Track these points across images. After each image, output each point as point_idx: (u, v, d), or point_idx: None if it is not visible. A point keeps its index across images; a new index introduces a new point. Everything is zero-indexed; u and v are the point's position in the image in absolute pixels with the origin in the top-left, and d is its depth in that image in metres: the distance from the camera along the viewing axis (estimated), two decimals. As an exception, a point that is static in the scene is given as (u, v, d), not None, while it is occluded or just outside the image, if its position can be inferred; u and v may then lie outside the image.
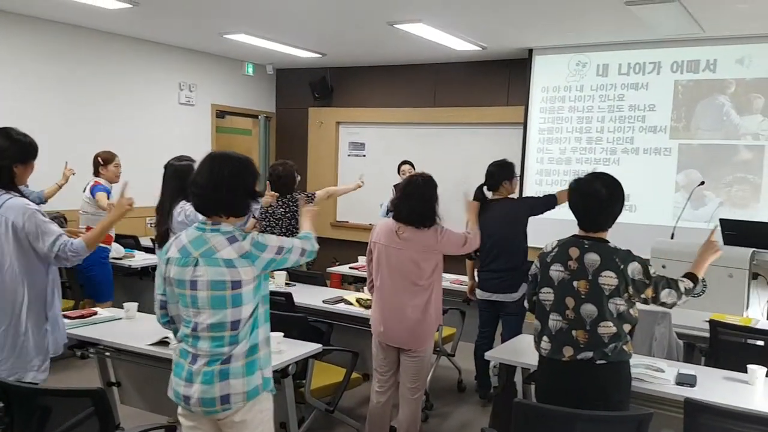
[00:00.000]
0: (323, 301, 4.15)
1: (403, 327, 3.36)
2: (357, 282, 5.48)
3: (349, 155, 8.27)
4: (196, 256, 2.19)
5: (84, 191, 5.12)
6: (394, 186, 6.91)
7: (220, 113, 8.06)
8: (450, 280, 4.98)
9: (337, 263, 6.14)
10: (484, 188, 4.40)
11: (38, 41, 5.96)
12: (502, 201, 4.35)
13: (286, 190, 4.92)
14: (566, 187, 2.72)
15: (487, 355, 3.30)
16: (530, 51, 6.54)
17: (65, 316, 3.35)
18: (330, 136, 8.30)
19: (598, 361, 2.50)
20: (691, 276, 2.64)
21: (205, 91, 7.69)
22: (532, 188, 6.62)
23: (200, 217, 3.58)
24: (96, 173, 5.13)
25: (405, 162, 6.52)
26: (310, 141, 8.41)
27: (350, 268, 5.57)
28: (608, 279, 2.48)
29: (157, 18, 5.85)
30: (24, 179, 2.86)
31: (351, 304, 4.12)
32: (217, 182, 2.20)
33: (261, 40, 6.52)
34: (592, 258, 2.52)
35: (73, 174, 5.40)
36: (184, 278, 2.20)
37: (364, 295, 4.22)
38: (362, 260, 5.59)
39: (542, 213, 4.36)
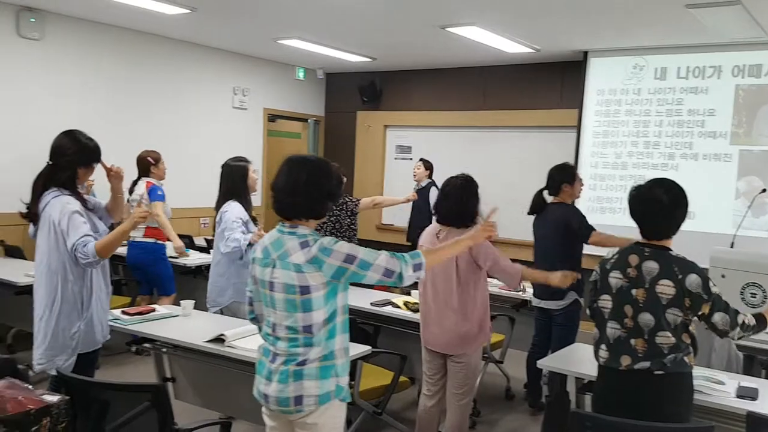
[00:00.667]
0: (371, 304, 4.15)
1: (444, 332, 3.34)
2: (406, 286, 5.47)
3: (395, 158, 8.29)
4: (274, 258, 2.23)
5: (132, 192, 5.18)
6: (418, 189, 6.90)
7: (272, 117, 8.19)
8: (498, 285, 4.91)
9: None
10: (544, 192, 4.33)
11: (98, 45, 6.18)
12: (557, 205, 4.27)
13: None
14: (626, 194, 2.66)
15: (540, 363, 3.24)
16: (585, 53, 6.43)
17: (124, 313, 3.47)
18: (377, 140, 8.33)
19: (656, 372, 2.43)
20: (758, 316, 2.52)
21: (257, 96, 7.83)
22: (586, 193, 6.46)
23: (230, 220, 3.59)
24: (146, 173, 5.22)
25: (419, 159, 6.65)
26: (358, 144, 8.47)
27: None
28: (665, 288, 2.41)
29: (214, 23, 5.98)
30: (84, 180, 2.98)
31: (398, 307, 4.11)
32: (295, 186, 2.22)
33: (313, 45, 6.60)
34: (651, 266, 2.45)
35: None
36: (264, 278, 2.25)
37: (412, 298, 4.21)
38: None
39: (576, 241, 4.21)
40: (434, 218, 3.48)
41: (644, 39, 5.83)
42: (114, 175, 3.11)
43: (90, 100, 6.12)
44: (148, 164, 5.22)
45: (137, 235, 5.08)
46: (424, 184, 6.69)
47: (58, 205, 2.79)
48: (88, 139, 2.91)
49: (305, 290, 2.18)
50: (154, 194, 5.10)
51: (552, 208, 4.27)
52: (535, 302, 4.33)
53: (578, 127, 6.53)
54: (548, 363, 3.21)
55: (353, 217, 5.01)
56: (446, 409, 3.48)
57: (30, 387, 1.88)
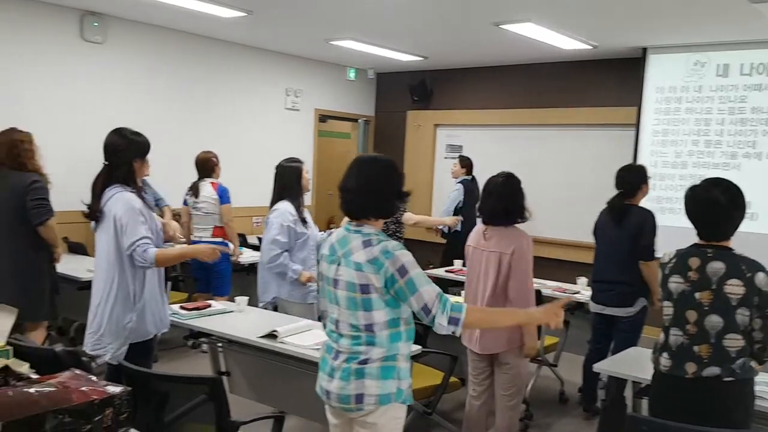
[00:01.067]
0: (421, 303, 4.13)
1: (485, 333, 3.29)
2: (453, 286, 5.43)
3: (446, 157, 8.24)
4: (339, 255, 2.25)
5: (197, 193, 5.25)
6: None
7: (322, 117, 8.27)
8: (552, 287, 4.84)
9: (432, 266, 6.13)
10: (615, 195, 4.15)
11: (157, 48, 6.36)
12: (637, 208, 4.08)
13: None
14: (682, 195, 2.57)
15: (597, 366, 3.16)
16: (644, 50, 6.24)
17: (182, 308, 3.55)
18: (427, 139, 8.30)
19: (726, 379, 2.34)
20: None
21: (309, 97, 7.92)
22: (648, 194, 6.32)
23: (275, 222, 3.62)
24: (210, 174, 5.31)
25: (458, 156, 6.70)
26: (408, 144, 8.46)
27: (446, 271, 5.53)
28: (735, 288, 2.32)
29: (269, 26, 6.08)
30: (142, 174, 3.05)
31: (450, 306, 4.08)
32: (366, 186, 2.24)
33: (365, 45, 6.63)
34: (716, 266, 2.36)
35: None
36: (329, 275, 2.28)
37: (461, 298, 4.17)
38: (458, 264, 5.56)
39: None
40: (479, 219, 3.43)
41: (705, 35, 5.63)
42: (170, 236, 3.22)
43: (148, 102, 6.31)
44: (213, 165, 5.31)
45: (205, 235, 5.20)
46: (458, 180, 6.63)
47: (122, 201, 2.89)
48: (135, 133, 3.00)
49: (365, 289, 2.18)
50: (226, 197, 5.20)
51: (632, 212, 4.04)
52: (597, 308, 4.16)
53: (637, 126, 6.36)
54: (606, 367, 3.14)
55: (399, 225, 4.98)
56: (495, 411, 3.44)
57: (93, 378, 1.94)
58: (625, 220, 4.02)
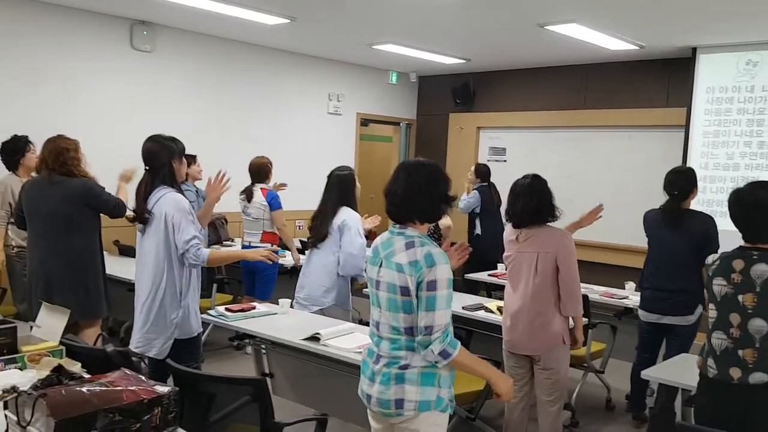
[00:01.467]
0: (463, 308, 4.11)
1: (525, 333, 3.28)
2: (495, 290, 5.38)
3: (488, 160, 8.16)
4: (382, 256, 2.28)
5: (250, 198, 5.31)
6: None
7: (364, 121, 8.30)
8: (599, 292, 4.74)
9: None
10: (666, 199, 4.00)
11: (203, 55, 6.50)
12: (694, 212, 3.98)
13: None
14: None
15: (645, 373, 3.09)
16: (694, 49, 6.08)
17: (227, 310, 3.61)
18: (470, 141, 8.25)
19: None
20: None
21: (351, 101, 7.97)
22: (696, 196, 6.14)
23: (354, 224, 3.65)
24: (263, 179, 5.36)
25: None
26: (450, 146, 8.42)
27: (489, 275, 5.48)
28: None
29: (311, 32, 6.14)
30: (181, 174, 3.19)
31: (491, 311, 4.04)
32: (414, 191, 2.25)
33: (408, 48, 6.64)
34: (761, 269, 2.33)
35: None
36: (372, 277, 2.31)
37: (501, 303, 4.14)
38: (501, 267, 5.50)
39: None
40: (508, 224, 3.41)
41: (757, 33, 5.45)
42: (214, 188, 3.33)
43: (195, 108, 6.45)
44: (268, 171, 5.37)
45: (254, 240, 5.28)
46: (474, 187, 6.58)
47: (172, 200, 3.02)
48: (168, 138, 3.15)
49: (405, 291, 2.19)
50: (276, 203, 5.25)
51: (691, 217, 3.92)
52: (650, 317, 4.01)
53: (686, 127, 6.19)
54: (655, 374, 3.06)
55: (436, 228, 4.93)
56: (536, 417, 3.40)
57: (142, 378, 1.99)
58: (682, 225, 3.89)
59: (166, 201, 3.02)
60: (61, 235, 3.75)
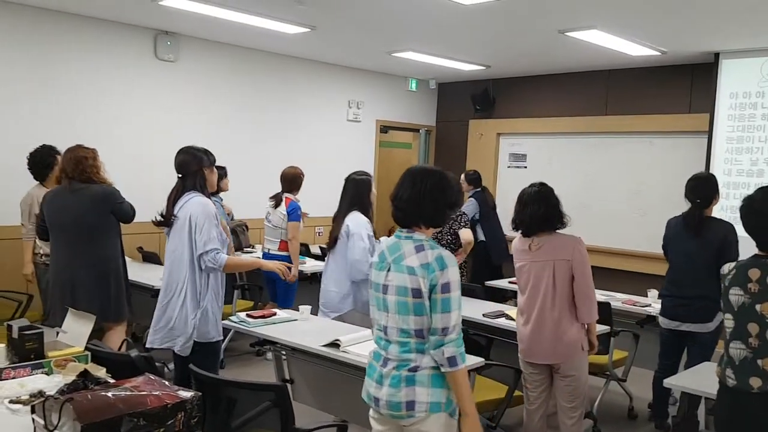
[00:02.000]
0: (483, 315, 4.10)
1: (544, 342, 3.26)
2: (515, 297, 5.35)
3: (509, 167, 8.14)
4: (389, 261, 2.30)
5: (278, 204, 5.32)
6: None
7: (384, 128, 8.33)
8: (622, 300, 4.70)
9: (464, 276, 6.06)
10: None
11: (225, 65, 6.58)
12: (716, 220, 3.94)
13: None
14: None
15: (667, 382, 3.05)
16: (716, 55, 6.01)
17: (249, 316, 3.65)
18: (490, 148, 8.23)
19: None
20: None
21: (370, 108, 8.00)
22: (719, 203, 6.05)
23: (356, 230, 3.66)
24: (292, 188, 5.35)
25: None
26: (470, 153, 8.40)
27: (509, 282, 5.45)
28: None
29: (331, 40, 6.19)
30: (213, 184, 3.30)
31: (512, 319, 4.02)
32: (420, 196, 2.29)
33: (427, 56, 6.66)
34: None
35: None
36: (379, 282, 2.33)
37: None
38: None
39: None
40: (517, 233, 3.40)
41: (782, 38, 5.38)
42: (281, 270, 3.53)
43: (218, 116, 6.53)
44: (301, 181, 5.37)
45: (272, 248, 5.32)
46: (469, 194, 6.56)
47: (198, 203, 3.13)
48: (199, 149, 3.28)
49: (417, 293, 2.22)
50: (294, 215, 5.23)
51: (711, 224, 3.89)
52: (671, 324, 3.97)
53: (709, 133, 6.12)
54: (678, 382, 3.03)
55: (455, 237, 4.91)
56: (557, 424, 3.38)
57: (166, 383, 2.02)
58: (703, 232, 3.85)
59: (192, 204, 3.13)
60: (84, 241, 3.81)
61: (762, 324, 2.32)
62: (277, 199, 5.38)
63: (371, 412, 2.39)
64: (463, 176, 6.70)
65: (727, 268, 2.48)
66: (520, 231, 3.36)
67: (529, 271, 3.32)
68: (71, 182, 3.81)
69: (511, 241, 3.62)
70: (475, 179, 6.66)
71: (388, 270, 2.29)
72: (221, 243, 3.18)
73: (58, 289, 3.84)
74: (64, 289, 3.79)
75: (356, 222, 3.88)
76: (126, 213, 3.92)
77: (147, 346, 3.26)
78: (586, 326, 3.30)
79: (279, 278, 5.20)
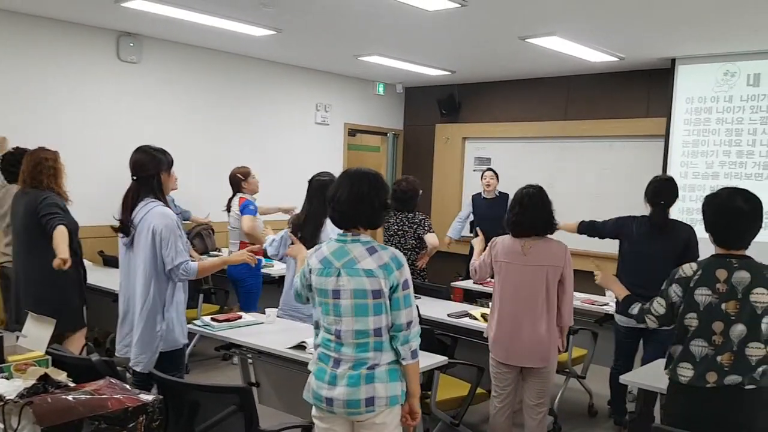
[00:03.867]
0: (448, 315, 4.16)
1: (526, 345, 3.31)
2: (482, 297, 5.42)
3: (474, 170, 8.25)
4: (338, 266, 2.32)
5: (229, 208, 5.43)
6: (474, 197, 6.72)
7: (352, 131, 8.36)
8: (581, 299, 4.80)
9: (460, 278, 6.14)
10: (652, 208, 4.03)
11: (190, 66, 6.53)
12: (679, 222, 4.10)
13: (405, 206, 4.97)
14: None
15: (624, 378, 3.15)
16: (673, 60, 6.20)
17: (213, 320, 3.64)
18: (456, 152, 8.33)
19: (747, 387, 2.36)
20: None
21: (338, 111, 8.03)
22: (675, 204, 6.21)
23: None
24: (239, 189, 5.44)
25: (489, 169, 6.80)
26: (436, 157, 8.50)
27: (474, 282, 5.51)
28: (761, 296, 2.37)
29: (298, 44, 6.20)
30: (168, 187, 3.21)
31: (476, 318, 4.09)
32: (358, 197, 2.34)
33: (393, 60, 6.72)
34: (742, 276, 2.39)
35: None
36: (326, 287, 2.34)
37: (489, 310, 4.18)
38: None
39: None
40: (507, 232, 3.42)
41: (735, 44, 5.57)
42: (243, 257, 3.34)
43: (183, 119, 6.47)
44: (238, 180, 5.44)
45: (234, 250, 5.30)
46: (497, 193, 6.65)
47: (159, 214, 3.01)
48: (157, 149, 3.14)
49: (377, 294, 2.29)
50: (246, 209, 5.27)
51: (675, 225, 4.01)
52: (631, 323, 3.89)
53: (666, 137, 6.30)
54: (634, 379, 3.12)
55: (420, 242, 4.95)
56: (521, 422, 3.45)
57: (127, 386, 2.02)
58: (669, 233, 3.94)
59: (153, 215, 3.00)
60: (33, 246, 3.75)
61: (726, 321, 2.39)
62: (228, 203, 5.44)
63: (315, 411, 2.42)
64: (492, 171, 6.74)
65: (690, 269, 2.49)
66: (509, 231, 3.37)
67: (517, 273, 3.32)
68: (24, 185, 3.77)
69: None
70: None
71: (338, 275, 2.31)
72: (187, 251, 3.11)
73: (15, 294, 3.79)
74: (22, 295, 3.74)
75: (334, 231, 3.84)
76: (44, 221, 3.66)
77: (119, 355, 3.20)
78: (559, 328, 3.37)
79: (240, 281, 5.22)
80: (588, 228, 4.36)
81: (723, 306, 2.39)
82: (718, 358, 2.39)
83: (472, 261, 3.66)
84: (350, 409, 2.31)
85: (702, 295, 2.44)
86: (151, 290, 3.03)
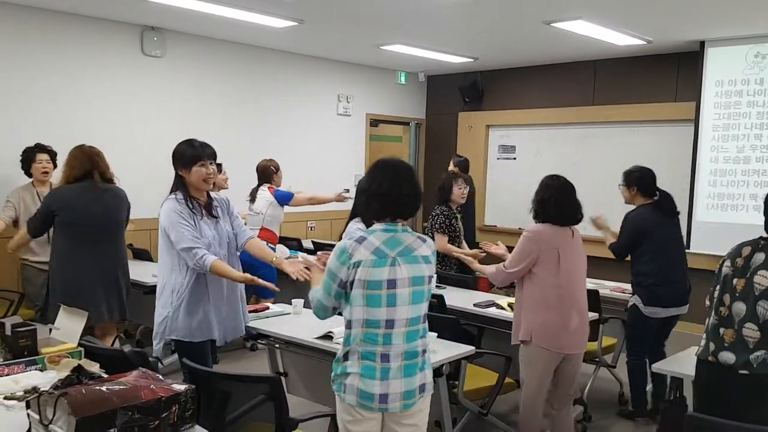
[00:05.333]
0: (474, 305, 4.13)
1: (584, 332, 3.33)
2: (508, 287, 5.37)
3: (498, 158, 8.18)
4: (393, 255, 2.30)
5: (254, 200, 5.43)
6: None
7: (374, 122, 8.34)
8: (610, 287, 4.75)
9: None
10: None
11: (213, 59, 6.56)
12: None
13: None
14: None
15: (656, 367, 3.12)
16: (702, 43, 6.07)
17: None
18: (479, 140, 8.27)
19: (741, 371, 2.38)
20: None
21: (360, 102, 8.01)
22: (705, 190, 6.12)
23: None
24: (268, 180, 5.47)
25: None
26: (460, 145, 8.43)
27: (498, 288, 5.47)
28: (762, 279, 2.38)
29: (320, 34, 6.19)
30: (198, 181, 3.10)
31: (503, 308, 4.06)
32: (418, 189, 2.39)
33: (415, 48, 6.67)
34: (759, 257, 2.42)
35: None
36: (380, 278, 2.27)
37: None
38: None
39: None
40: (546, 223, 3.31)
41: (765, 26, 5.43)
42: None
43: (206, 111, 6.52)
44: (271, 172, 5.49)
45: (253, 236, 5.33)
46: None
47: (164, 207, 3.10)
48: (183, 143, 3.14)
49: (429, 280, 2.40)
50: (285, 195, 5.37)
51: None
52: (663, 313, 4.01)
53: (696, 121, 6.18)
54: (665, 367, 3.09)
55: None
56: (550, 412, 3.42)
57: (160, 377, 2.04)
58: (676, 214, 4.13)
59: (161, 209, 3.11)
60: (115, 237, 4.00)
61: (732, 296, 2.44)
62: (252, 194, 5.48)
63: (351, 414, 2.32)
64: (453, 161, 6.73)
65: (733, 247, 2.55)
66: (549, 220, 3.27)
67: (570, 261, 3.26)
68: (100, 180, 3.87)
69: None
70: (466, 166, 6.77)
71: (392, 264, 2.28)
72: (196, 240, 3.01)
73: (82, 287, 3.85)
74: (103, 286, 3.92)
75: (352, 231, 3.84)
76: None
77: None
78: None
79: (255, 268, 5.22)
80: (618, 246, 4.24)
81: (734, 281, 2.45)
82: (721, 331, 2.45)
83: (493, 268, 3.51)
84: (406, 401, 2.31)
85: (726, 267, 2.51)
86: (165, 279, 3.12)
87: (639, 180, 4.12)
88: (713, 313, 2.53)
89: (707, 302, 2.64)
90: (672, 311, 4.04)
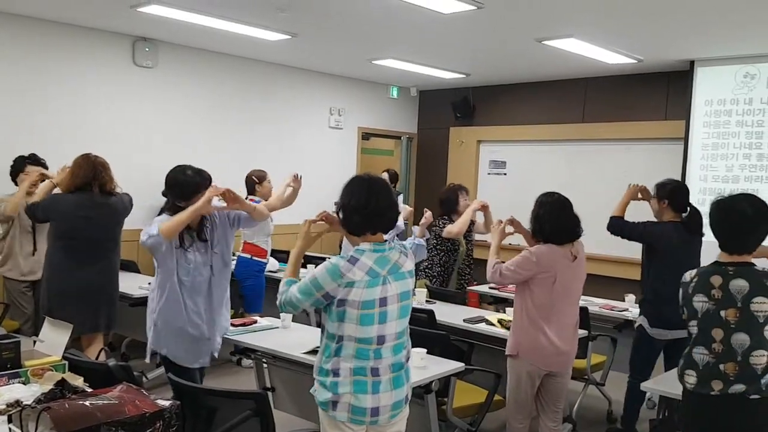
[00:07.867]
0: (464, 320, 4.12)
1: (571, 350, 3.34)
2: (497, 303, 5.37)
3: (489, 173, 8.21)
4: (384, 274, 2.33)
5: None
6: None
7: (366, 135, 8.35)
8: (599, 305, 4.75)
9: (476, 282, 6.08)
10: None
11: (205, 71, 6.54)
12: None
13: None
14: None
15: (645, 386, 3.11)
16: (692, 63, 6.13)
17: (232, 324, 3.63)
18: (470, 155, 8.29)
19: (752, 396, 2.34)
20: None
21: (352, 115, 8.02)
22: (693, 209, 6.15)
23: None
24: (252, 192, 5.42)
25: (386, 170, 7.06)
26: (450, 160, 8.46)
27: (490, 287, 5.48)
28: (761, 305, 2.34)
29: (313, 48, 6.20)
30: (204, 207, 3.19)
31: (492, 324, 4.05)
32: (393, 201, 2.42)
33: (407, 63, 6.70)
34: (740, 284, 2.37)
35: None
36: (372, 298, 2.30)
37: (506, 316, 4.14)
38: None
39: None
40: (543, 241, 3.28)
41: (755, 46, 5.49)
42: (230, 199, 3.25)
43: (197, 122, 6.49)
44: (253, 183, 5.44)
45: (237, 251, 5.30)
46: None
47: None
48: (177, 173, 3.21)
49: (412, 293, 2.47)
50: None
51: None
52: (669, 335, 3.86)
53: (685, 140, 6.22)
54: (654, 386, 3.07)
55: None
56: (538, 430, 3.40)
57: (144, 392, 2.01)
58: (700, 235, 3.93)
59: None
60: (112, 246, 3.99)
61: (727, 329, 2.37)
62: None
63: (341, 428, 2.32)
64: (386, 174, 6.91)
65: (689, 275, 2.50)
66: (549, 240, 3.23)
67: (569, 281, 3.24)
68: (98, 193, 3.83)
69: None
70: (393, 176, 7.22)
71: (384, 283, 2.32)
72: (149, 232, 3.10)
73: (86, 298, 3.85)
74: (96, 298, 3.90)
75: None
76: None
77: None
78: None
79: (242, 281, 5.21)
80: (620, 226, 4.10)
81: (722, 313, 2.38)
82: (722, 367, 2.37)
83: (494, 262, 3.39)
84: (394, 411, 2.37)
85: (699, 302, 2.44)
86: (155, 295, 3.21)
87: (671, 193, 3.96)
88: (702, 350, 2.42)
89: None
90: (678, 333, 3.85)
